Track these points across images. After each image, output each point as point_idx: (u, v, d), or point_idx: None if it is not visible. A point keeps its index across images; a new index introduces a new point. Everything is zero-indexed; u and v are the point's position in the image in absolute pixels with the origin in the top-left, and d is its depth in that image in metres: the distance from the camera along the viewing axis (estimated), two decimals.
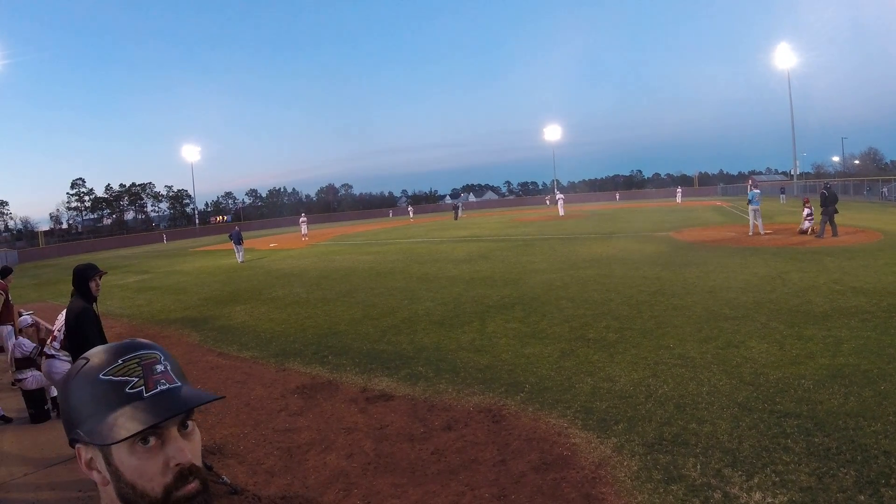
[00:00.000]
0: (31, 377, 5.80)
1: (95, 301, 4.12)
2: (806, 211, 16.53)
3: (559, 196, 42.97)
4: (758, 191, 17.41)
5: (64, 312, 4.99)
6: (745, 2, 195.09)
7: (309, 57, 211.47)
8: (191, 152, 69.71)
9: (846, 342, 5.92)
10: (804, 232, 16.11)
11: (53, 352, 4.87)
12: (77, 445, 0.82)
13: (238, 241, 21.80)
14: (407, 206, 70.27)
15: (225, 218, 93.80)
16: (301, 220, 36.33)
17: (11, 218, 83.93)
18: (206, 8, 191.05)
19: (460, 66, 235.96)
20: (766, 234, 16.87)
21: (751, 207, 17.36)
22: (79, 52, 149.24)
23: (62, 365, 4.81)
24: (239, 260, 21.66)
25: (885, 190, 34.71)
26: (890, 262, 10.51)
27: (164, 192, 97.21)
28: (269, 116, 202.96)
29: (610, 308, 8.44)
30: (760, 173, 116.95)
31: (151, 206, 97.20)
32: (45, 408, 5.86)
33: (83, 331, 3.86)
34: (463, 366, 6.28)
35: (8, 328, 7.23)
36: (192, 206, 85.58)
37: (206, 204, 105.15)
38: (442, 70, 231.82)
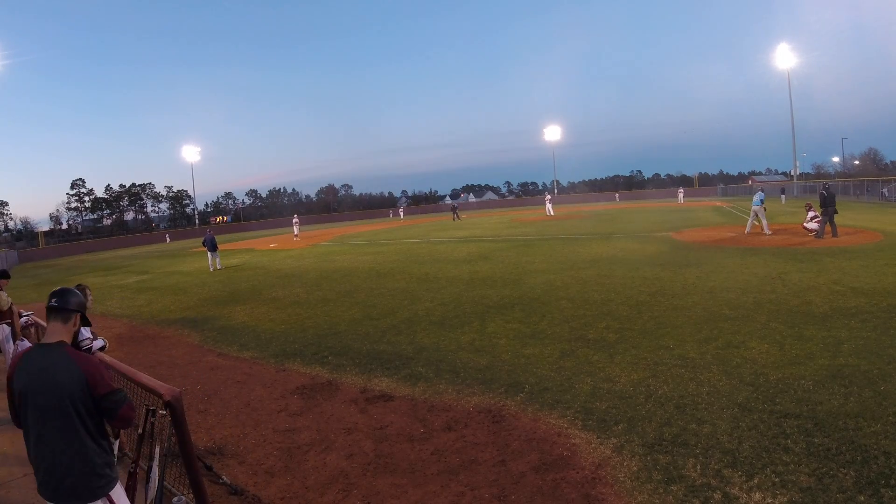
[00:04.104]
0: None
1: None
2: (811, 214, 16.51)
3: (548, 196, 45.07)
4: (758, 193, 17.51)
5: None
6: (745, 2, 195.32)
7: (309, 57, 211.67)
8: (191, 152, 69.72)
9: (846, 342, 5.92)
10: (812, 231, 16.01)
11: None
12: (77, 314, 2.56)
13: (212, 247, 20.06)
14: (399, 208, 69.74)
15: (225, 218, 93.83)
16: (294, 220, 36.54)
17: (11, 218, 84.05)
18: (206, 8, 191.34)
19: (460, 66, 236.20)
20: (769, 234, 16.86)
21: (753, 209, 17.48)
22: (78, 51, 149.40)
23: None
24: (211, 267, 19.76)
25: (885, 190, 34.73)
26: (890, 263, 10.51)
27: (164, 193, 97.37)
28: (270, 117, 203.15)
29: (610, 308, 8.44)
30: (760, 173, 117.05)
31: (151, 206, 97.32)
32: None
33: None
34: (463, 366, 6.28)
35: (6, 329, 7.22)
36: (192, 206, 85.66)
37: (206, 204, 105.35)
38: (442, 70, 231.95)
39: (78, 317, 2.56)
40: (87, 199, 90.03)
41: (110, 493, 2.43)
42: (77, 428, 2.33)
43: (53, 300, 2.50)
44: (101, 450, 2.41)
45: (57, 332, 2.46)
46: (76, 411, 2.32)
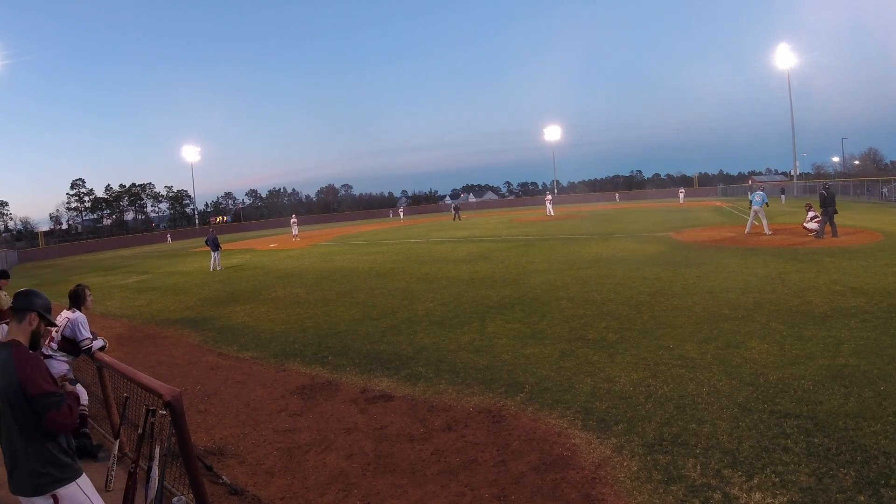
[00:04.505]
0: None
1: None
2: (811, 214, 16.50)
3: (548, 197, 45.31)
4: (759, 192, 17.52)
5: (63, 313, 4.99)
6: (745, 2, 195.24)
7: (309, 57, 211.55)
8: (191, 152, 69.68)
9: (846, 343, 5.92)
10: (812, 231, 15.98)
11: (50, 352, 4.87)
12: (33, 313, 2.58)
13: (215, 246, 19.92)
14: (399, 208, 69.72)
15: (225, 218, 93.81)
16: (292, 220, 36.57)
17: (11, 218, 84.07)
18: (206, 8, 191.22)
19: (460, 66, 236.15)
20: (769, 234, 16.86)
21: (752, 208, 17.49)
22: (78, 51, 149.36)
23: (59, 365, 4.81)
24: (213, 267, 19.61)
25: (885, 190, 34.75)
26: (890, 263, 10.51)
27: (164, 193, 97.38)
28: (269, 116, 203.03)
29: (610, 308, 8.44)
30: (760, 173, 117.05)
31: (151, 206, 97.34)
32: None
33: None
34: (463, 366, 6.28)
35: (5, 329, 7.22)
36: (192, 206, 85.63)
37: (206, 204, 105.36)
38: (442, 70, 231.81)
39: (34, 316, 2.59)
40: (87, 199, 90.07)
41: (57, 492, 2.42)
42: (12, 426, 2.38)
43: (13, 300, 2.62)
44: (41, 448, 2.40)
45: (12, 332, 2.55)
46: (11, 410, 2.37)
